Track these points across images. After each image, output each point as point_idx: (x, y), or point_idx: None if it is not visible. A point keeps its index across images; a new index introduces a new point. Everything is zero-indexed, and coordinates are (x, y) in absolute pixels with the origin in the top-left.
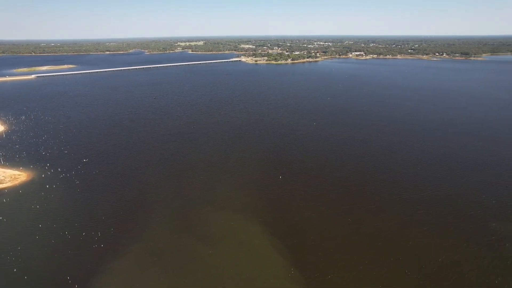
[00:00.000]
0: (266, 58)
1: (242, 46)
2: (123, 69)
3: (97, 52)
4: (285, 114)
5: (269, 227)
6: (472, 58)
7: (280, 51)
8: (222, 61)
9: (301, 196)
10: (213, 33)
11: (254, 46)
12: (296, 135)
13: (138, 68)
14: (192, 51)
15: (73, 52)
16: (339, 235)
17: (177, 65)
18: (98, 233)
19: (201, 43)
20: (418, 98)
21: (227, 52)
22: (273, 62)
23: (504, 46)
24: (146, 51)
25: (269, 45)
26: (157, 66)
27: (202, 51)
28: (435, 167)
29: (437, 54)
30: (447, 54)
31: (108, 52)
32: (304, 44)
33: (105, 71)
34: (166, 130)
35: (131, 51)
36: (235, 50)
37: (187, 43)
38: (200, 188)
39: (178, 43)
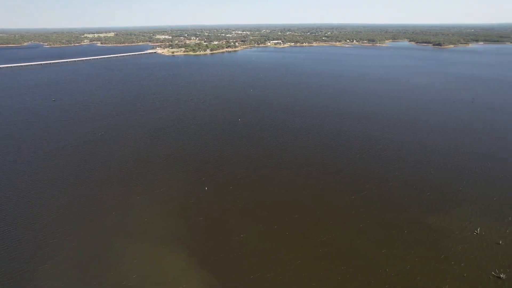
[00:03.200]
0: (183, 49)
1: (158, 37)
2: (13, 66)
3: None
4: (209, 112)
5: (199, 259)
6: (378, 44)
7: (198, 41)
8: (136, 54)
9: (232, 210)
10: (125, 24)
11: (170, 37)
12: (220, 134)
13: (34, 65)
14: (101, 43)
15: None
16: (286, 260)
17: (84, 59)
18: None
19: (111, 34)
20: (339, 84)
21: (141, 43)
22: (191, 53)
23: (401, 33)
24: (46, 44)
25: (186, 35)
26: (59, 62)
27: (113, 43)
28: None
29: (348, 40)
30: (357, 41)
31: None
32: (222, 33)
33: None
34: (66, 140)
35: (25, 44)
36: (149, 42)
37: (96, 35)
38: (110, 215)
39: (85, 35)
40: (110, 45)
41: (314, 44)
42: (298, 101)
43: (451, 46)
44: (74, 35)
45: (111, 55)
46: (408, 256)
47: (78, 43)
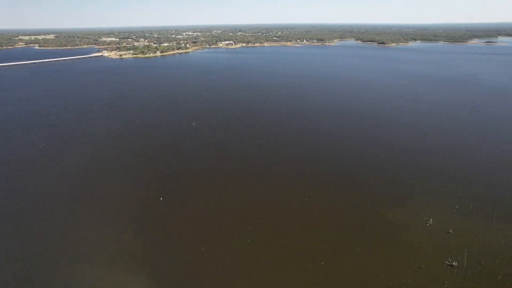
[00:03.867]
0: (132, 51)
1: (104, 39)
2: None
3: None
4: (161, 116)
5: (157, 279)
6: (327, 44)
7: (148, 43)
8: (80, 57)
9: (190, 220)
10: (67, 25)
11: (117, 39)
12: (173, 139)
13: None
14: (40, 46)
15: None
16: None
17: (18, 64)
18: None
19: (51, 36)
20: (291, 83)
21: (85, 46)
22: (140, 55)
23: (348, 33)
24: None
25: (134, 37)
26: None
27: (54, 46)
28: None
29: (298, 40)
30: (307, 41)
31: None
32: (172, 34)
33: None
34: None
35: None
36: (95, 44)
37: (33, 37)
38: (55, 235)
39: (20, 37)
40: (50, 48)
41: (266, 44)
42: (254, 102)
43: (394, 44)
44: (5, 37)
45: (52, 59)
46: (371, 254)
47: (11, 45)
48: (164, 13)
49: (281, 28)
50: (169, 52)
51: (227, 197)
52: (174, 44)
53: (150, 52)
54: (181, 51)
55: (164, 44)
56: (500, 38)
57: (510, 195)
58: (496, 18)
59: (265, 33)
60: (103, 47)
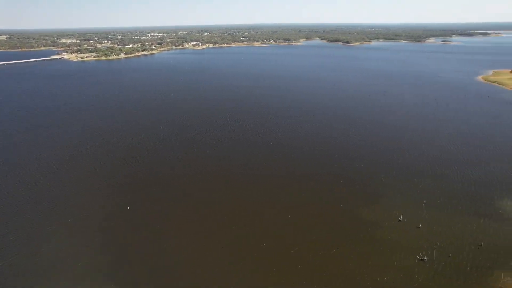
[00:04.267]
0: (94, 54)
1: (63, 41)
2: None
3: None
4: (125, 122)
5: None
6: (293, 43)
7: (111, 45)
8: (36, 61)
9: (160, 229)
10: (21, 26)
11: (78, 41)
12: (140, 144)
13: None
14: None
15: None
16: None
17: None
18: None
19: (3, 37)
20: (261, 83)
21: (42, 48)
22: (103, 58)
23: (313, 32)
24: None
25: (96, 38)
26: None
27: (6, 48)
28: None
29: (265, 40)
30: (274, 40)
31: None
32: (136, 36)
33: None
34: None
35: None
36: (53, 46)
37: None
38: (17, 254)
39: None
40: (1, 50)
41: (233, 44)
42: (222, 104)
43: (358, 43)
44: None
45: (4, 62)
46: (347, 254)
47: None
48: (127, 14)
49: (248, 28)
50: (134, 54)
51: (196, 204)
52: (139, 45)
53: (113, 54)
54: (146, 52)
55: (128, 46)
56: (454, 38)
57: (472, 187)
58: (449, 19)
59: (232, 34)
60: (63, 49)
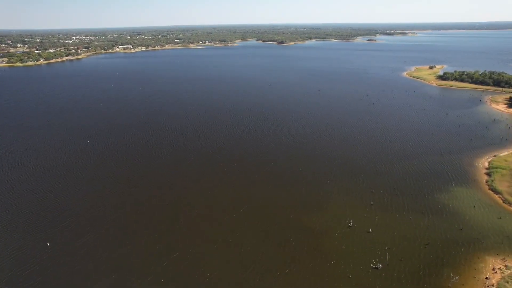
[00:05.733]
0: (7, 59)
1: None
2: None
3: None
4: (47, 139)
5: None
6: (229, 44)
7: (28, 50)
8: None
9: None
10: None
11: None
12: (65, 165)
13: None
14: None
15: None
16: None
17: None
18: None
19: None
20: (197, 87)
21: None
22: (19, 64)
23: (248, 33)
24: None
25: (10, 42)
26: None
27: None
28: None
29: (200, 42)
30: (209, 42)
31: None
32: (60, 39)
33: None
34: None
35: None
36: None
37: None
38: None
39: None
40: None
41: (167, 47)
42: (160, 113)
43: (292, 43)
44: None
45: None
46: (301, 271)
47: None
48: (49, 15)
49: (182, 30)
50: (57, 59)
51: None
52: (63, 50)
53: (31, 59)
54: (71, 57)
55: (50, 50)
56: (378, 36)
57: (413, 182)
58: (373, 20)
59: (166, 36)
60: None
